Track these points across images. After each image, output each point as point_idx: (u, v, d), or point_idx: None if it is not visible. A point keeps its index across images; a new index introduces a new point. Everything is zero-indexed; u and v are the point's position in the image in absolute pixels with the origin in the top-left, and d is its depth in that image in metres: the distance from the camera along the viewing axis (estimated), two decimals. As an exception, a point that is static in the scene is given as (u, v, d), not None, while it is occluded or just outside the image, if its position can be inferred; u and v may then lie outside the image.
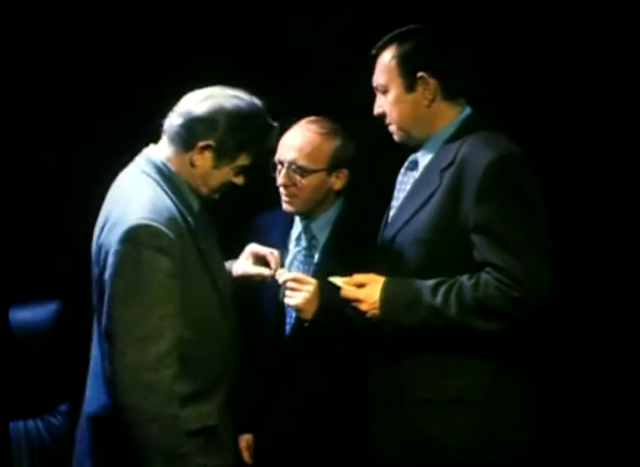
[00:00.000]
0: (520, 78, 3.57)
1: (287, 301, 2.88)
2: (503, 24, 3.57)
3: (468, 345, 2.66)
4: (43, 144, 3.73)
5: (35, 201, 3.70)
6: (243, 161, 2.70)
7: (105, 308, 2.55)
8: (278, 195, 3.15)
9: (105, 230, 2.61)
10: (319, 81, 3.68)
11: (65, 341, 3.29)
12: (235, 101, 2.67)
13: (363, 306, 2.71)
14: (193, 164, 2.67)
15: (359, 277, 2.74)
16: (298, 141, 3.07)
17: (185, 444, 2.56)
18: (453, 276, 2.64)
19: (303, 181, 3.07)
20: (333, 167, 3.09)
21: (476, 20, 3.54)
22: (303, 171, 3.06)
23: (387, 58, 2.79)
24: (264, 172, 3.16)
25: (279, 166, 3.10)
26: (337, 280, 2.75)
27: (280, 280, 2.88)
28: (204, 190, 2.71)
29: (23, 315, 3.24)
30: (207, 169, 2.68)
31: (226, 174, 2.70)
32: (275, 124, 2.73)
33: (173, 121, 2.68)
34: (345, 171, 3.11)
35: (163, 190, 2.65)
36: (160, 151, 2.71)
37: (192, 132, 2.65)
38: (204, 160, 2.67)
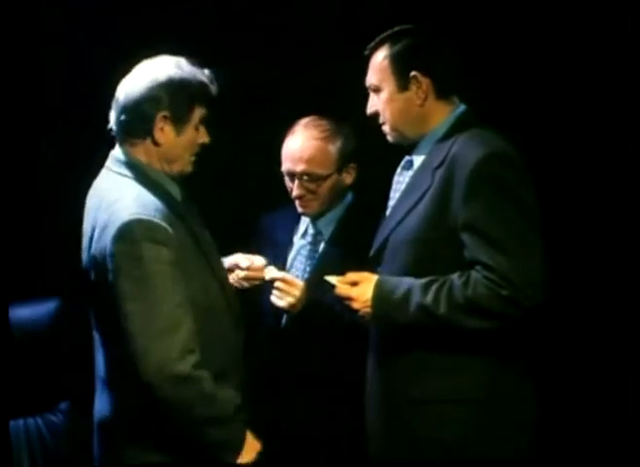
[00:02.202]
0: (516, 76, 3.57)
1: (273, 299, 2.92)
2: (499, 22, 3.58)
3: (465, 344, 2.66)
4: (42, 144, 3.73)
5: (35, 199, 3.70)
6: (199, 115, 2.71)
7: (118, 310, 2.53)
8: (282, 194, 3.19)
9: (95, 236, 2.60)
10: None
11: (65, 338, 3.28)
12: (164, 67, 2.68)
13: (355, 305, 2.72)
14: (157, 143, 2.67)
15: (352, 276, 2.75)
16: (303, 151, 3.11)
17: (230, 407, 2.59)
18: (446, 275, 2.64)
19: (319, 188, 3.12)
20: (342, 166, 3.14)
21: (472, 19, 3.55)
22: (318, 179, 3.11)
23: (380, 58, 2.80)
24: (268, 174, 3.19)
25: (287, 177, 3.14)
26: (331, 279, 2.77)
27: (267, 277, 2.89)
28: (178, 165, 2.71)
29: (23, 313, 3.23)
30: (172, 141, 2.68)
31: (191, 137, 2.71)
32: (204, 68, 2.73)
33: (118, 116, 2.68)
34: (354, 165, 3.17)
35: (142, 185, 2.65)
36: (123, 148, 2.71)
37: (143, 115, 2.66)
38: (165, 133, 2.68)
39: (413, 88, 2.78)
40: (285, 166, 3.14)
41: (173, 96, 2.66)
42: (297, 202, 3.15)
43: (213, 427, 2.57)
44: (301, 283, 2.88)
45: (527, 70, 3.58)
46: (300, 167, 3.10)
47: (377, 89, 2.82)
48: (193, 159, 2.74)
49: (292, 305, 2.89)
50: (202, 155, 2.76)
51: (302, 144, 3.12)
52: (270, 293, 2.99)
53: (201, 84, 2.70)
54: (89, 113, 3.59)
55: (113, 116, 2.71)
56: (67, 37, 3.69)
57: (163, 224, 2.57)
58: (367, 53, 2.85)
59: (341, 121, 3.16)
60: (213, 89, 2.73)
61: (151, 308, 2.51)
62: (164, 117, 2.66)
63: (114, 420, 2.64)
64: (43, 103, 3.70)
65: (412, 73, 2.77)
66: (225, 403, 2.59)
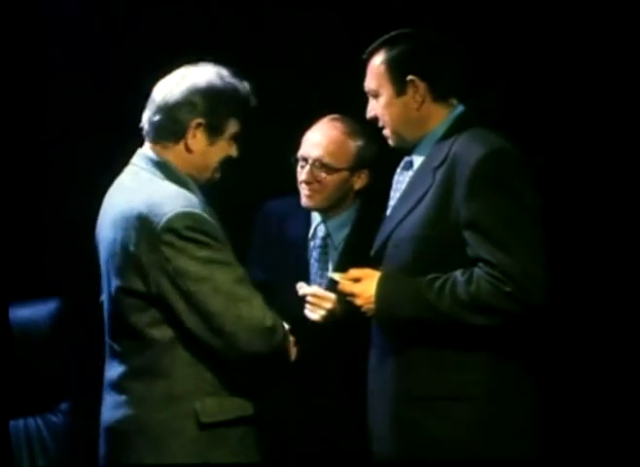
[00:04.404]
0: (517, 76, 3.57)
1: (307, 314, 2.91)
2: (501, 24, 3.58)
3: (467, 341, 2.66)
4: (44, 143, 3.72)
5: (35, 199, 3.70)
6: (233, 128, 2.71)
7: (192, 296, 2.56)
8: (290, 184, 3.21)
9: (130, 232, 2.59)
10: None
11: (66, 339, 3.28)
12: (205, 75, 2.68)
13: (358, 301, 2.72)
14: (189, 150, 2.68)
15: (355, 272, 2.76)
16: (323, 139, 3.14)
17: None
18: (448, 272, 2.64)
19: (327, 178, 3.14)
20: (355, 167, 3.17)
21: (475, 21, 3.55)
22: (328, 169, 3.13)
23: (377, 63, 2.81)
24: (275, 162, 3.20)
25: (302, 162, 3.16)
26: (334, 275, 2.78)
27: (300, 293, 2.90)
28: (206, 174, 2.72)
29: (24, 313, 3.23)
30: (204, 149, 2.69)
31: (222, 148, 2.71)
32: (246, 82, 2.73)
33: (153, 117, 2.68)
34: (367, 172, 3.19)
35: (178, 185, 2.65)
36: (154, 148, 2.70)
37: (177, 119, 2.66)
38: (198, 141, 2.68)
39: (410, 92, 2.79)
40: (302, 150, 3.16)
41: (211, 105, 2.66)
42: (301, 191, 3.16)
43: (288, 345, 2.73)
44: (332, 296, 2.88)
45: (527, 70, 3.58)
46: (315, 153, 3.12)
47: (376, 94, 2.83)
48: (219, 171, 2.73)
49: (325, 318, 2.88)
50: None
51: (324, 133, 3.15)
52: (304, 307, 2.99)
53: (241, 96, 2.70)
54: (93, 114, 3.61)
55: (147, 116, 2.70)
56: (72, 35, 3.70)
57: (210, 218, 2.60)
58: (364, 58, 2.86)
59: (368, 125, 3.15)
60: (252, 102, 2.73)
61: (226, 283, 2.57)
62: (199, 124, 2.66)
63: (125, 428, 2.64)
64: (46, 104, 3.70)
65: (409, 77, 2.78)
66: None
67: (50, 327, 3.25)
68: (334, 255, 3.21)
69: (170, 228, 2.55)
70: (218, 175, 2.74)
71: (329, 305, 2.87)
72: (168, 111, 2.66)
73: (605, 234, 3.55)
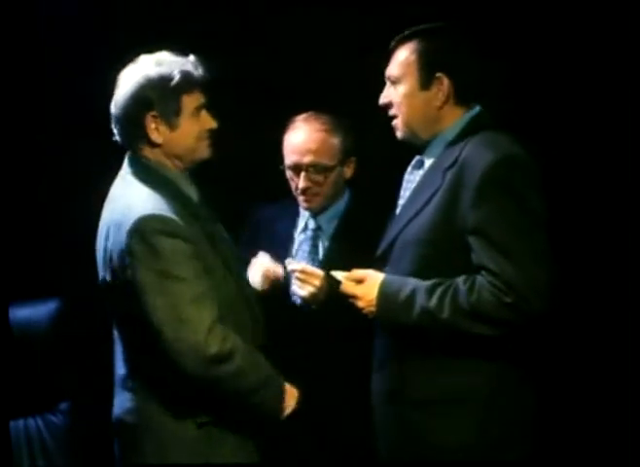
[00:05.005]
0: (530, 77, 3.57)
1: (294, 289, 2.93)
2: (509, 23, 3.57)
3: (468, 345, 2.66)
4: (44, 143, 3.72)
5: (35, 199, 3.70)
6: (192, 104, 2.68)
7: (140, 304, 2.55)
8: (279, 188, 3.21)
9: (110, 237, 2.62)
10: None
11: (66, 338, 3.28)
12: (141, 68, 2.66)
13: (360, 303, 2.72)
14: (157, 144, 2.67)
15: (358, 273, 2.75)
16: (309, 143, 3.14)
17: (267, 366, 2.66)
18: (452, 277, 2.63)
19: (324, 179, 3.15)
20: (344, 159, 3.18)
21: (482, 20, 3.54)
22: (325, 170, 3.14)
23: (407, 52, 2.77)
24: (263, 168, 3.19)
25: (292, 172, 3.15)
26: (337, 275, 2.77)
27: (289, 268, 2.90)
28: (188, 157, 2.70)
29: (24, 313, 3.23)
30: (170, 136, 2.67)
31: (189, 127, 2.69)
32: (188, 55, 2.70)
33: (115, 128, 2.69)
34: (354, 159, 3.20)
35: (155, 185, 2.65)
36: (131, 153, 2.71)
37: (134, 121, 2.65)
38: (161, 132, 2.67)
39: (434, 89, 2.75)
40: (290, 160, 3.15)
41: (156, 94, 2.64)
42: (301, 197, 3.18)
43: (260, 390, 2.63)
44: (321, 273, 2.89)
45: (540, 71, 3.58)
46: (307, 159, 3.12)
47: (397, 82, 2.79)
48: (205, 144, 2.71)
49: (313, 295, 2.89)
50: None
51: (306, 136, 3.14)
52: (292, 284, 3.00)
53: (183, 73, 2.66)
54: (93, 114, 3.60)
55: (113, 128, 2.71)
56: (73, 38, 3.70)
57: (176, 218, 2.58)
58: (393, 44, 2.81)
59: (339, 116, 3.18)
60: (198, 74, 2.68)
61: (174, 300, 2.53)
62: (154, 116, 2.65)
63: (134, 421, 2.66)
64: (46, 104, 3.70)
65: (438, 74, 2.75)
66: (262, 365, 2.65)
67: (50, 327, 3.25)
68: (325, 246, 3.21)
69: (136, 231, 2.55)
70: (206, 152, 2.71)
71: (317, 282, 2.87)
72: (123, 117, 2.66)
73: (608, 241, 3.54)
